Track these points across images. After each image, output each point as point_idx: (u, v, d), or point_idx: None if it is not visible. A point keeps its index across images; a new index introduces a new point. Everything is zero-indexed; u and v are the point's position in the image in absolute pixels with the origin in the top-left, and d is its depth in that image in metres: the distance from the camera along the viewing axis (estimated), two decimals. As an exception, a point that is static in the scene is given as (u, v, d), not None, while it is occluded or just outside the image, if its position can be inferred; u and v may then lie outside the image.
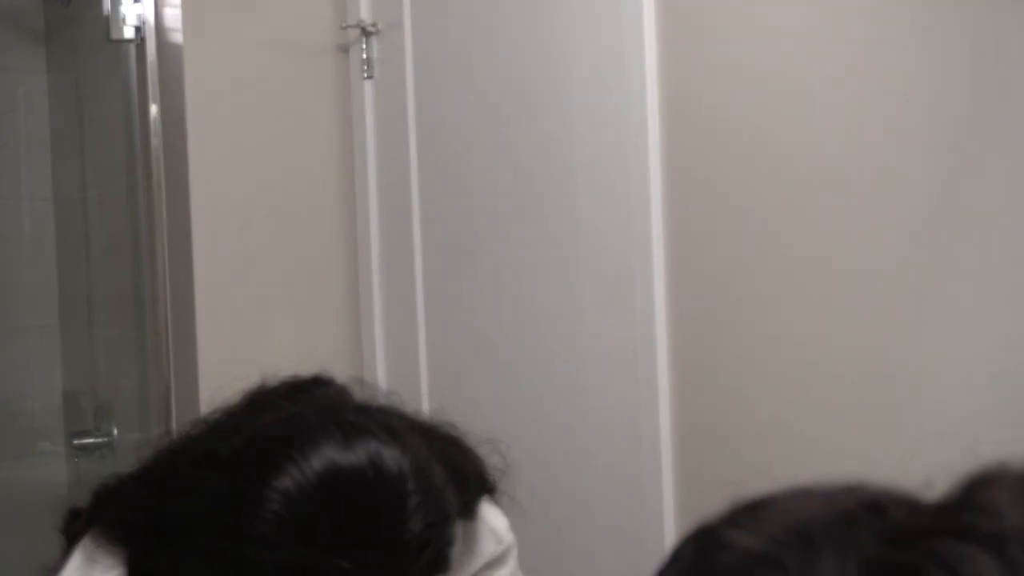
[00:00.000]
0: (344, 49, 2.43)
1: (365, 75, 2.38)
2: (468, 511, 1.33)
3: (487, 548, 1.36)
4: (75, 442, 2.93)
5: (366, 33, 2.37)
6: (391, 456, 1.12)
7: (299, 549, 1.08)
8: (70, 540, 1.30)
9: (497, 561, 1.37)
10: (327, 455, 1.10)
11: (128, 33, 2.47)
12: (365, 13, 2.37)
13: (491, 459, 1.37)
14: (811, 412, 1.58)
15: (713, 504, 0.61)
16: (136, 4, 2.46)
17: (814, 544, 0.52)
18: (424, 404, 2.19)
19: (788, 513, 0.55)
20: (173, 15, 2.39)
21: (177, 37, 2.37)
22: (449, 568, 1.17)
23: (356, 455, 1.11)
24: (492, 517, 1.37)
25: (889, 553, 0.50)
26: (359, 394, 1.34)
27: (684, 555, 0.58)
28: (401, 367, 2.32)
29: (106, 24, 2.48)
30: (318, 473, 1.09)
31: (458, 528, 1.20)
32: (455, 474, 1.25)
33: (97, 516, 1.27)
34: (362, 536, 1.09)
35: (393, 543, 1.09)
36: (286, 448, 1.12)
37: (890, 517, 0.53)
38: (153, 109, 2.44)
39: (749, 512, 0.58)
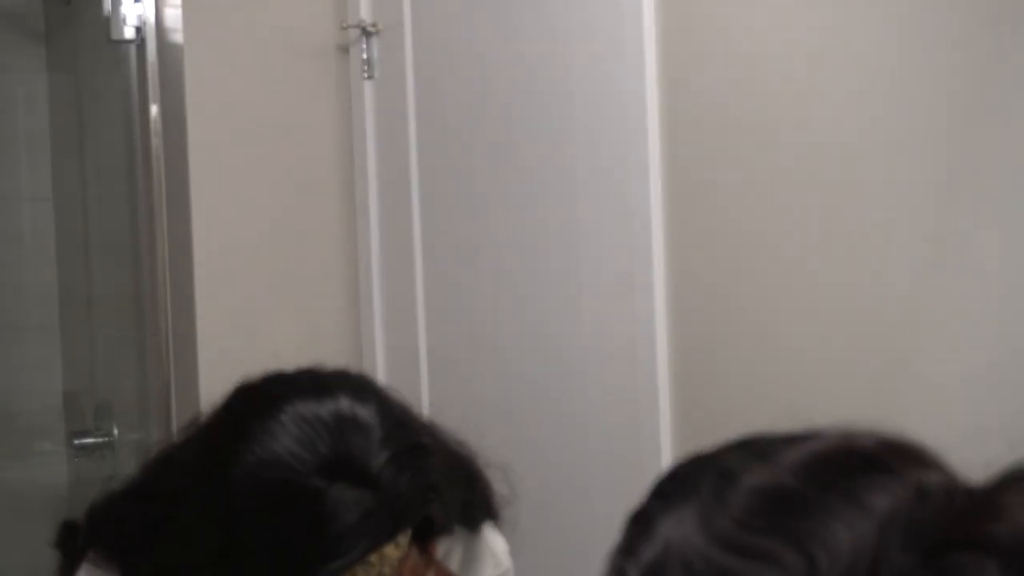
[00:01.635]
0: (344, 49, 2.43)
1: (365, 75, 2.38)
2: (472, 519, 1.33)
3: (485, 570, 1.36)
4: (75, 442, 2.93)
5: (366, 33, 2.37)
6: (363, 399, 1.18)
7: (277, 478, 1.12)
8: (66, 556, 1.31)
9: None
10: (299, 403, 1.16)
11: (128, 33, 2.47)
12: (365, 13, 2.37)
13: (498, 485, 1.38)
14: (812, 411, 1.58)
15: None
16: (137, 4, 2.46)
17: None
18: (424, 404, 2.20)
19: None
20: (174, 15, 2.39)
21: (177, 37, 2.37)
22: (438, 502, 1.20)
23: (328, 401, 1.17)
24: (493, 540, 1.38)
25: (918, 567, 0.51)
26: None
27: (696, 488, 0.58)
28: (401, 367, 2.32)
29: (107, 24, 2.48)
30: (291, 418, 1.15)
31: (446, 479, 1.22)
32: (464, 475, 1.27)
33: (92, 537, 1.28)
34: (336, 464, 1.13)
35: (365, 470, 1.13)
36: (261, 403, 1.18)
37: (930, 509, 0.54)
38: (153, 109, 2.44)
39: (764, 457, 0.58)
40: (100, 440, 2.87)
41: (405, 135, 2.28)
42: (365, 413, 1.17)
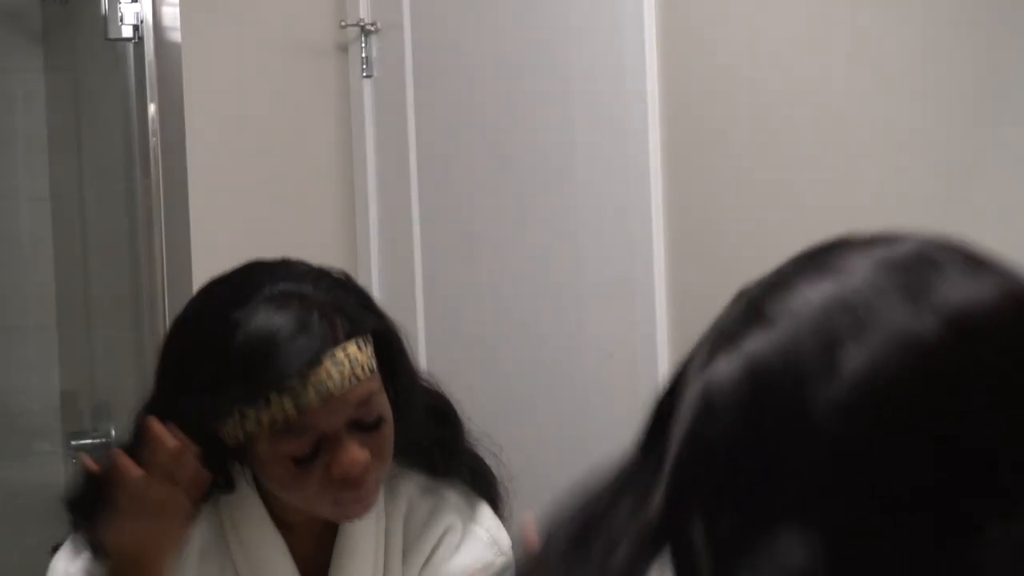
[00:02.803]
0: (343, 48, 2.43)
1: (364, 74, 2.38)
2: (456, 467, 1.36)
3: (485, 554, 1.35)
4: (73, 442, 2.92)
5: (365, 32, 2.37)
6: (298, 273, 1.29)
7: (217, 325, 1.22)
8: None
9: (499, 573, 1.36)
10: (233, 288, 1.30)
11: (126, 32, 2.46)
12: (364, 12, 2.37)
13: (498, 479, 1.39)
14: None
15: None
16: (134, 3, 2.45)
17: None
18: (423, 404, 2.19)
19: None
20: (171, 14, 2.39)
21: (175, 36, 2.37)
22: (380, 320, 1.27)
23: (259, 280, 1.27)
24: (496, 528, 1.37)
25: None
26: None
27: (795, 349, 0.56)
28: (400, 367, 2.31)
29: (104, 23, 2.48)
30: (226, 295, 1.27)
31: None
32: (445, 413, 1.35)
33: (76, 525, 1.34)
34: (267, 298, 1.22)
35: (294, 293, 1.22)
36: (196, 300, 1.36)
37: None
38: (151, 108, 2.43)
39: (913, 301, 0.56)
40: (97, 441, 2.86)
41: (404, 134, 2.28)
42: (300, 274, 1.27)
